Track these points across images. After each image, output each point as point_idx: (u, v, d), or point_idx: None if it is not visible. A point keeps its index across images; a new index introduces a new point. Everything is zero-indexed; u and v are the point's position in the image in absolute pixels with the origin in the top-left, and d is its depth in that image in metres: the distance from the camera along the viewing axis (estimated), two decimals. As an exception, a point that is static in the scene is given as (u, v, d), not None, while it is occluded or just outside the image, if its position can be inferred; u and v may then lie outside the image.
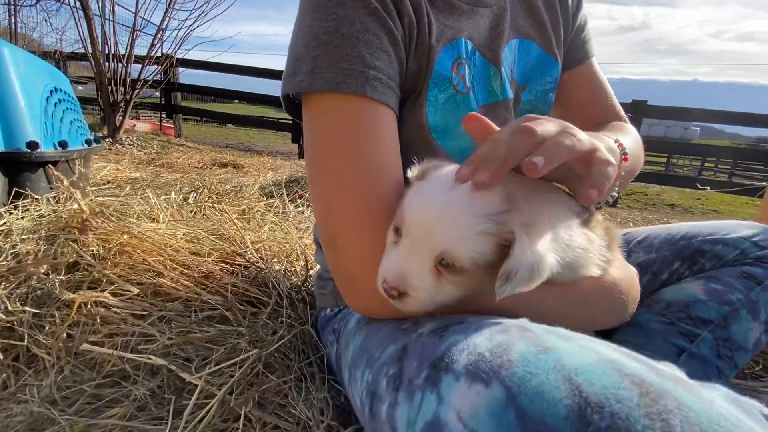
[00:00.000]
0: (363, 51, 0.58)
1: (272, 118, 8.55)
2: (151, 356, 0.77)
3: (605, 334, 0.78)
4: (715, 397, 0.34)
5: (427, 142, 0.68)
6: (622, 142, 0.65)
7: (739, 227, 0.79)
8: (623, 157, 0.65)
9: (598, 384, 0.33)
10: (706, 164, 14.48)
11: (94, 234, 1.07)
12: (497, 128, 0.50)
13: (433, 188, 0.51)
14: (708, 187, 4.90)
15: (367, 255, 0.58)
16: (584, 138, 0.47)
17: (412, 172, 0.56)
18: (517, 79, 0.79)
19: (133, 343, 0.83)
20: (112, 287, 0.95)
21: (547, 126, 0.46)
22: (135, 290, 0.95)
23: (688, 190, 5.67)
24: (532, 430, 0.33)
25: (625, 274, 0.65)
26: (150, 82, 5.27)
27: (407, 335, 0.53)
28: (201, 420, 0.66)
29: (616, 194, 0.72)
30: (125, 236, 1.07)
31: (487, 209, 0.47)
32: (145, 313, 0.91)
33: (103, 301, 0.90)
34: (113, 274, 0.98)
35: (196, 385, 0.72)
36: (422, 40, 0.64)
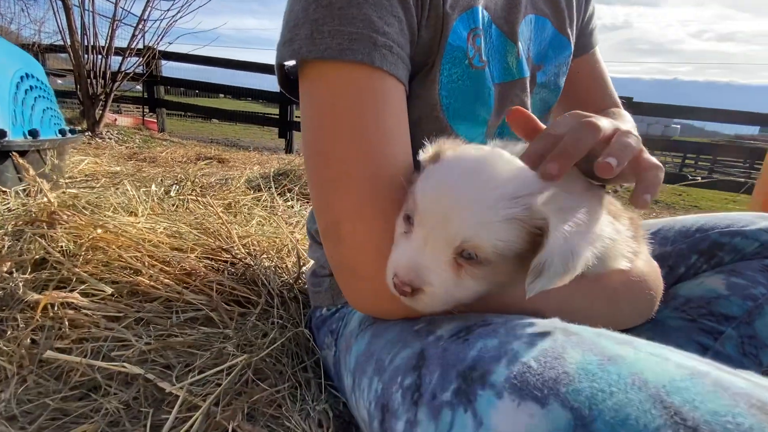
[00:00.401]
0: (371, 13, 0.51)
1: (258, 112, 8.40)
2: (125, 364, 0.69)
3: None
4: None
5: (438, 121, 0.62)
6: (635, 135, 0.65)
7: (756, 219, 0.76)
8: None
9: (703, 408, 0.26)
10: (686, 161, 14.81)
11: (64, 228, 0.98)
12: (543, 126, 0.48)
13: (450, 170, 0.45)
14: (699, 178, 5.05)
15: (373, 245, 0.51)
16: (637, 136, 0.45)
17: (424, 154, 0.49)
18: (533, 57, 0.73)
19: (106, 349, 0.74)
20: (83, 287, 0.86)
21: (603, 122, 0.44)
22: (109, 290, 0.86)
23: (668, 186, 5.80)
24: None
25: (651, 268, 0.60)
26: (131, 75, 5.10)
27: (422, 338, 0.46)
28: (183, 436, 0.59)
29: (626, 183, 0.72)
30: (99, 230, 0.98)
31: (515, 191, 0.41)
32: (119, 315, 0.82)
33: (72, 302, 0.81)
34: (84, 272, 0.89)
35: (177, 396, 0.64)
36: (435, 5, 0.57)
